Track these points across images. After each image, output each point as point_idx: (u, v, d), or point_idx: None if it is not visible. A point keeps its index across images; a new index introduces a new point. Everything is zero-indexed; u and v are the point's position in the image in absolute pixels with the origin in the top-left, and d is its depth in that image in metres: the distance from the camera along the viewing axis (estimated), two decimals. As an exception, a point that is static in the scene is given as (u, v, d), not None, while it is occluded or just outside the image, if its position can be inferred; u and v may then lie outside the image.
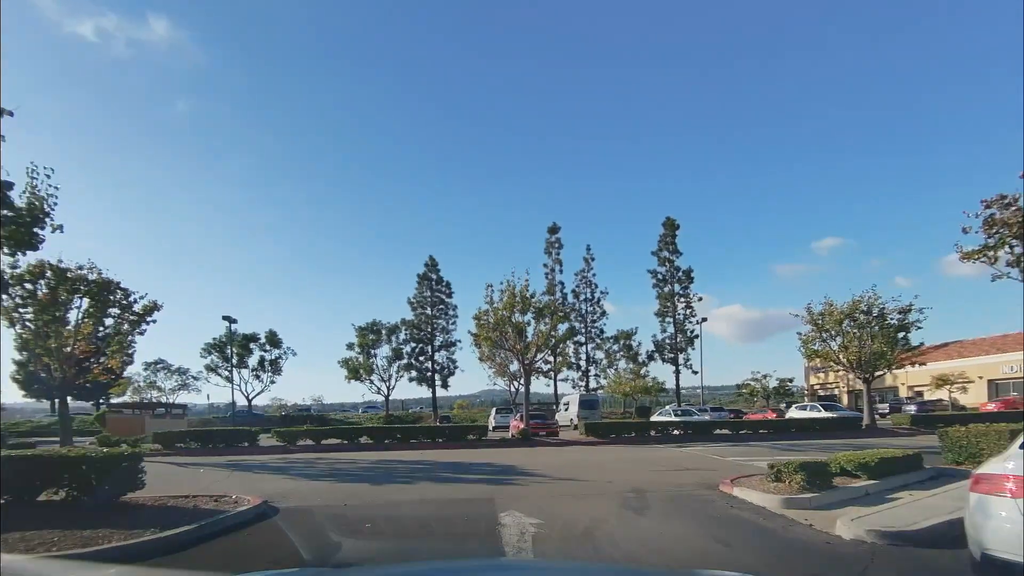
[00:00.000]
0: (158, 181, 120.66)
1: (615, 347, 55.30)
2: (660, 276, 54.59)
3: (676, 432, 23.34)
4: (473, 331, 23.05)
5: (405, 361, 54.65)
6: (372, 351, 54.23)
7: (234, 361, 55.09)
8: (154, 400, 41.48)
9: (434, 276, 56.01)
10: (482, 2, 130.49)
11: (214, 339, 53.20)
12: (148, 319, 20.25)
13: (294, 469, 14.32)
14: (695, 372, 56.34)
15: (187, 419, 36.82)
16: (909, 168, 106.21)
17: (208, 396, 57.82)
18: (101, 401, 46.06)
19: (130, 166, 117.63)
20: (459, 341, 56.17)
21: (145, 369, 61.88)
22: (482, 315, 22.22)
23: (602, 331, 55.72)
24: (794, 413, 30.10)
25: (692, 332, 54.54)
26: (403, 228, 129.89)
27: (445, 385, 55.78)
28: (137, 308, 19.82)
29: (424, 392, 56.85)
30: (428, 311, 55.76)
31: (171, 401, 48.25)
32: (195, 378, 61.90)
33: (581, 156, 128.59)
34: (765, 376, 48.00)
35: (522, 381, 23.84)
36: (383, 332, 54.60)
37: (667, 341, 55.22)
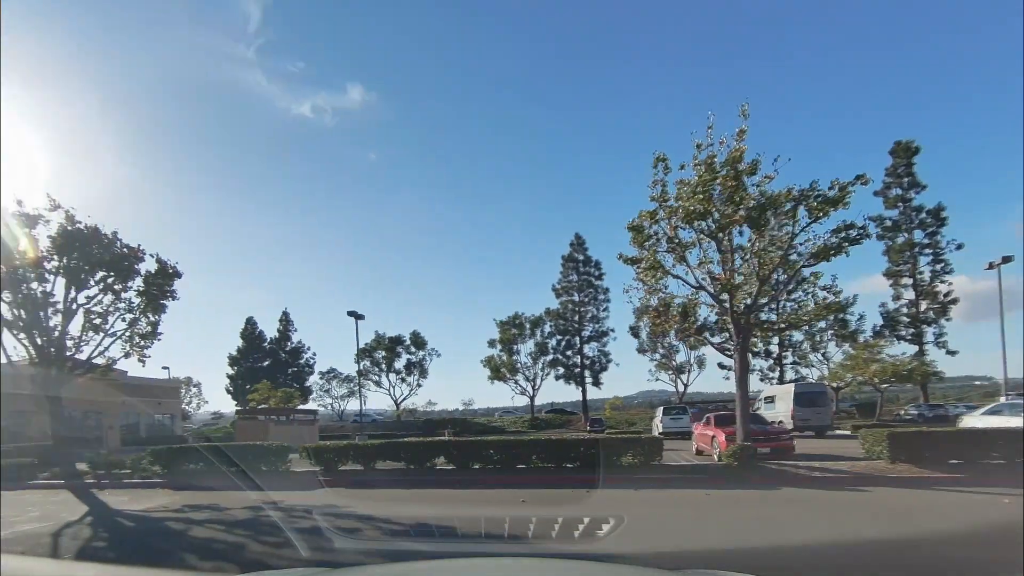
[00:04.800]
0: (338, 221, 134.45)
1: (820, 325, 39.49)
2: (890, 222, 37.39)
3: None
4: (629, 255, 11.64)
5: (551, 356, 45.84)
6: (515, 347, 46.71)
7: (383, 365, 52.22)
8: (290, 406, 38.22)
9: (581, 257, 46.28)
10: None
11: (366, 344, 50.88)
12: (168, 288, 14.16)
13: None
14: (951, 352, 37.49)
15: (318, 424, 32.57)
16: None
17: (363, 402, 55.49)
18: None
19: (321, 212, 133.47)
20: (612, 330, 45.54)
21: (320, 378, 63.71)
22: (645, 217, 11.01)
23: (799, 305, 40.28)
24: None
25: (947, 295, 36.27)
26: (548, 206, 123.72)
27: (597, 383, 45.40)
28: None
29: (574, 393, 47.32)
30: (575, 297, 46.15)
31: (306, 407, 45.67)
32: (362, 386, 61.45)
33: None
34: None
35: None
36: (526, 325, 46.41)
37: (903, 312, 37.69)
